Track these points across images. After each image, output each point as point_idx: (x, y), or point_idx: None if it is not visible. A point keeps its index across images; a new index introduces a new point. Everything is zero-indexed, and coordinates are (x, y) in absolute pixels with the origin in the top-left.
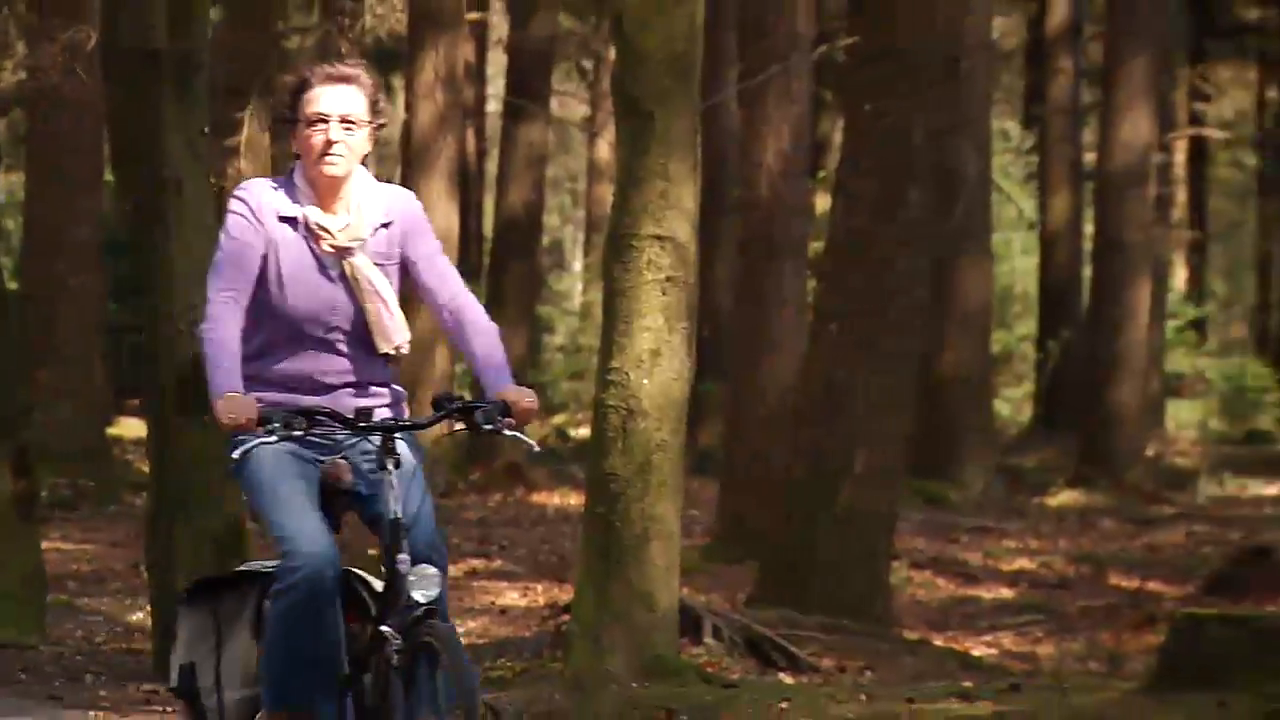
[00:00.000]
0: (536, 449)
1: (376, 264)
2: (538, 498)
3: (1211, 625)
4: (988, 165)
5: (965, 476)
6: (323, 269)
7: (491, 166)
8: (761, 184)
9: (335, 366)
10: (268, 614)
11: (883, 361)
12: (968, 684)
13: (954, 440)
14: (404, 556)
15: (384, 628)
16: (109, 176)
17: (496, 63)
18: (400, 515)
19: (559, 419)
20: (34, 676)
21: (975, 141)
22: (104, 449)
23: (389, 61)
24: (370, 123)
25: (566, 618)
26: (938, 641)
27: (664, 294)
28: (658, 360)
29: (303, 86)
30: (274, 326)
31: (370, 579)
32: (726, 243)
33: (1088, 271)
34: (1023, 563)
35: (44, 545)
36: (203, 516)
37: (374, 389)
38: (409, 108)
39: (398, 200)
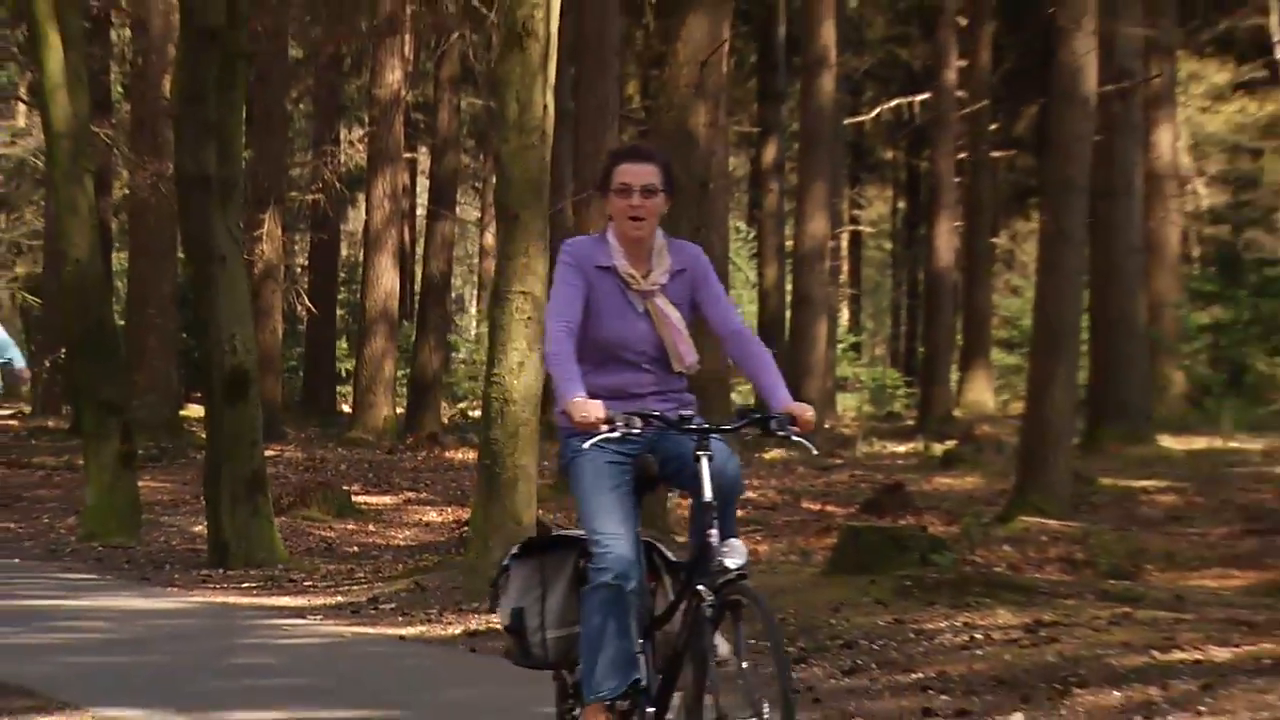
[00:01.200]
0: (815, 451)
1: (673, 302)
2: (449, 455)
3: (865, 533)
4: (726, 249)
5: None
6: (631, 307)
7: (419, 249)
8: None
9: (641, 380)
10: (583, 605)
11: None
12: None
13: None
14: (714, 531)
15: (699, 586)
16: (180, 254)
17: (422, 184)
18: (711, 499)
19: (463, 405)
20: (132, 566)
21: (719, 234)
22: (177, 424)
23: (355, 183)
24: (664, 191)
25: (466, 529)
26: None
27: (526, 328)
28: (523, 369)
29: (613, 163)
30: (595, 350)
31: (665, 548)
32: None
33: (789, 314)
34: (749, 495)
35: (139, 484)
36: (238, 467)
37: (672, 397)
38: (368, 212)
39: (688, 252)
